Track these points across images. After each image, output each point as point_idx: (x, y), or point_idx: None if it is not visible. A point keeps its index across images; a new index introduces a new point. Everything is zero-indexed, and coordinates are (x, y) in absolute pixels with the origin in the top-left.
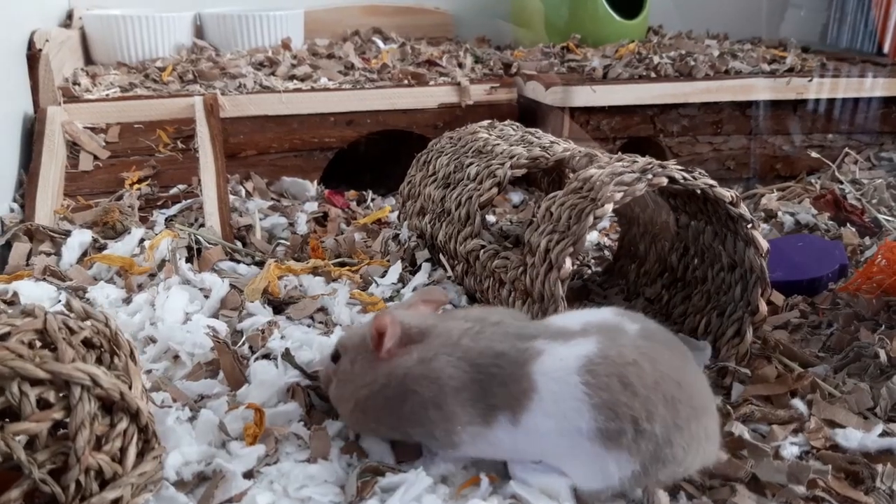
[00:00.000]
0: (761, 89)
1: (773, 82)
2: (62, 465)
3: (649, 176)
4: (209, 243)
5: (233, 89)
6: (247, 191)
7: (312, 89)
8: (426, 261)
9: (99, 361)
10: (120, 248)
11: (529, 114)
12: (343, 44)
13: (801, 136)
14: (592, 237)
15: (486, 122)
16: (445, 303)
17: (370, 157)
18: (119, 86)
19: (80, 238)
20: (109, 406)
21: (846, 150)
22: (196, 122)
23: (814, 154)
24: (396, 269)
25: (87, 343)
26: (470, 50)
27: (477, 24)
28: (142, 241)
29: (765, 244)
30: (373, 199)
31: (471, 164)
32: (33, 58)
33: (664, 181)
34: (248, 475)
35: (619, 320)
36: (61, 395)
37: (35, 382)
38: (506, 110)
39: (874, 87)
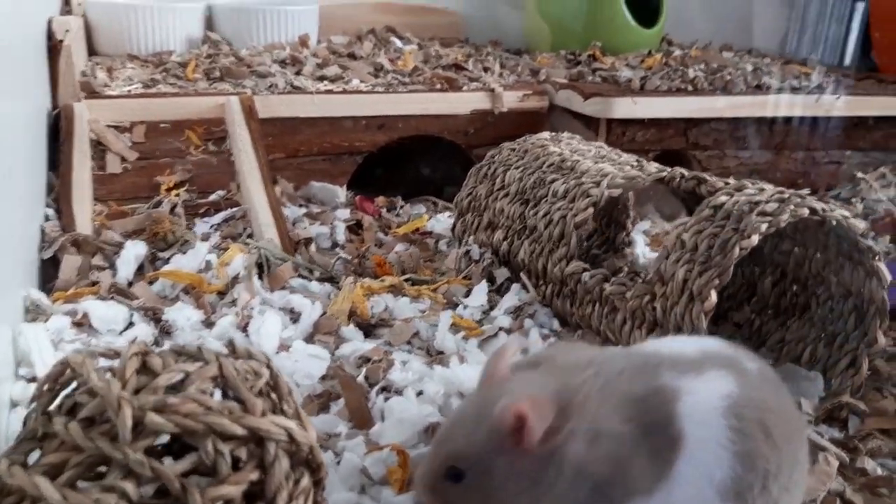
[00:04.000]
0: (793, 106)
1: (804, 99)
2: None
3: (791, 206)
4: (277, 259)
5: (264, 89)
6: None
7: (344, 91)
8: (507, 280)
9: (273, 410)
10: (185, 263)
11: (561, 122)
12: (361, 43)
13: (822, 151)
14: (644, 251)
15: (548, 134)
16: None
17: (386, 161)
18: (140, 81)
19: (135, 251)
20: (294, 461)
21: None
22: (232, 123)
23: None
24: (482, 290)
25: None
26: (494, 54)
27: (488, 27)
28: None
29: (889, 276)
30: (401, 206)
31: (554, 180)
32: (54, 49)
33: (806, 212)
34: None
35: (735, 353)
36: (251, 451)
37: (227, 438)
38: (537, 118)
39: (891, 106)
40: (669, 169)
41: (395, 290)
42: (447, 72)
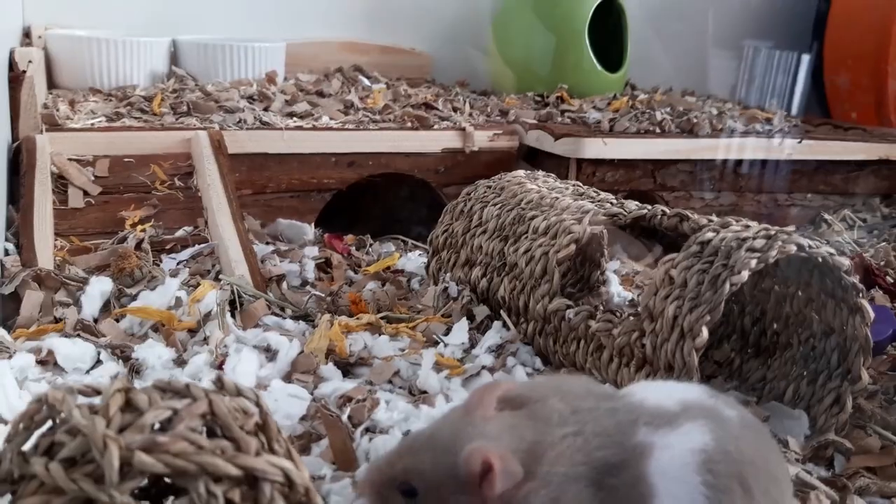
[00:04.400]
0: (756, 149)
1: (767, 143)
2: None
3: (779, 242)
4: (249, 295)
5: (231, 124)
6: None
7: (314, 128)
8: (486, 317)
9: (262, 449)
10: (154, 300)
11: (530, 163)
12: (329, 81)
13: (784, 194)
14: (618, 289)
15: (523, 172)
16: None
17: (352, 199)
18: (103, 114)
19: (101, 287)
20: None
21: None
22: (200, 158)
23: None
24: (462, 327)
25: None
26: (462, 94)
27: (455, 68)
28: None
29: (872, 313)
30: (371, 245)
31: (534, 217)
32: (15, 80)
33: (794, 248)
34: None
35: (714, 402)
36: (244, 494)
37: (219, 479)
38: (507, 157)
39: (850, 150)
40: (650, 207)
41: (373, 329)
42: (417, 110)
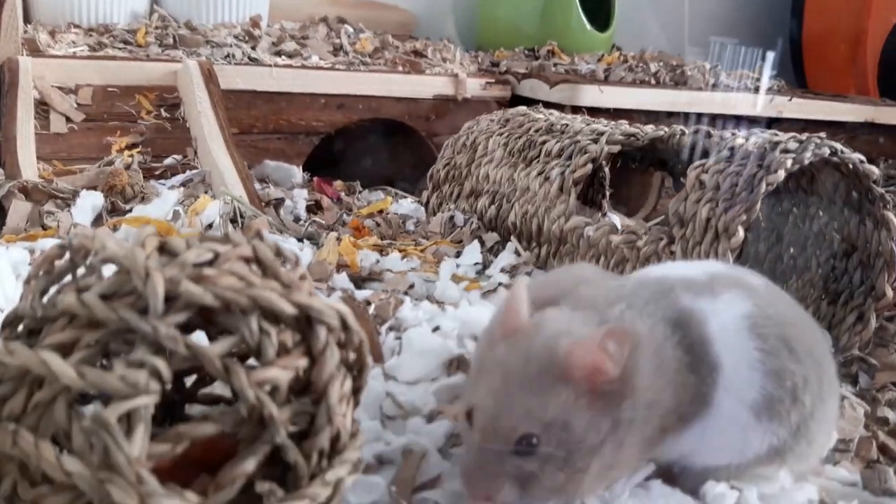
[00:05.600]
0: (748, 104)
1: (758, 98)
2: (305, 429)
3: (812, 146)
4: (250, 213)
5: (220, 58)
6: None
7: (304, 66)
8: (496, 243)
9: None
10: (152, 212)
11: None
12: (316, 27)
13: None
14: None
15: (524, 108)
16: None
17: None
18: (86, 44)
19: (92, 200)
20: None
21: None
22: (190, 87)
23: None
24: (475, 248)
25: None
26: (449, 48)
27: (439, 26)
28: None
29: None
30: (360, 192)
31: (545, 141)
32: None
33: (827, 151)
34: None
35: (737, 272)
36: (295, 339)
37: (270, 319)
38: (499, 107)
39: (838, 111)
40: (667, 128)
41: (381, 250)
42: (408, 57)
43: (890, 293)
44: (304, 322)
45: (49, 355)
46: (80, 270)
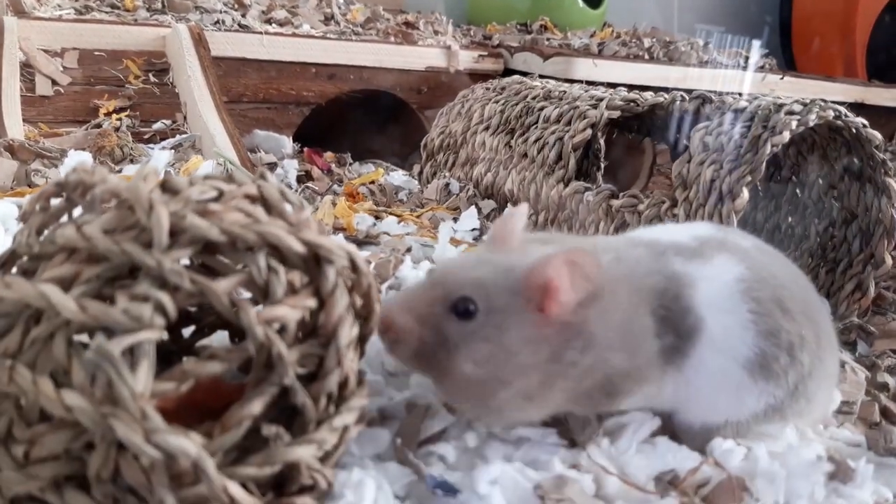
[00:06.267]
0: (741, 81)
1: (752, 76)
2: (313, 371)
3: (817, 108)
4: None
5: (209, 24)
6: None
7: (295, 34)
8: (493, 210)
9: None
10: None
11: None
12: None
13: None
14: None
15: (519, 77)
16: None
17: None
18: (72, 7)
19: (81, 159)
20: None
21: None
22: (180, 51)
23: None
24: (472, 214)
25: None
26: (441, 20)
27: (428, 1)
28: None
29: None
30: (350, 164)
31: (543, 107)
32: None
33: (831, 114)
34: None
35: (725, 235)
36: (303, 280)
37: (278, 256)
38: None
39: (828, 91)
40: (666, 94)
41: (375, 215)
42: (400, 28)
43: (889, 261)
44: (313, 262)
45: (49, 288)
46: (77, 210)
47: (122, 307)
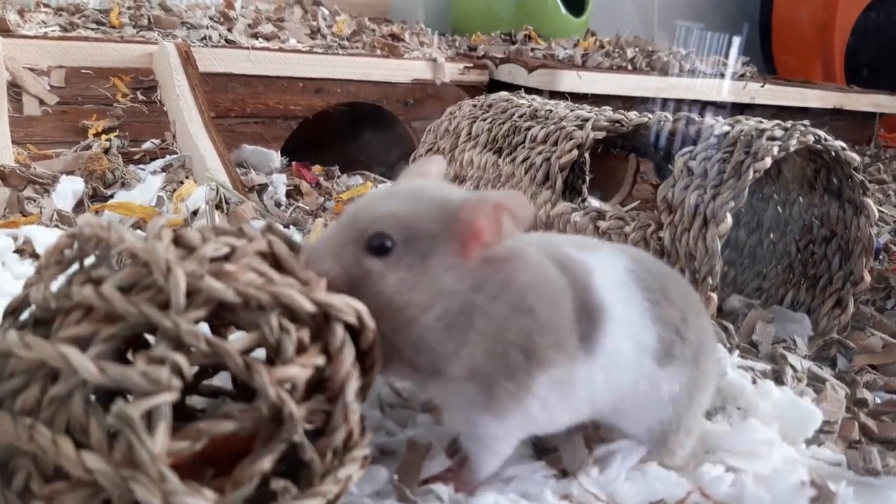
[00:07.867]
0: (722, 90)
1: (733, 85)
2: (320, 426)
3: (797, 133)
4: (236, 198)
5: (196, 40)
6: None
7: (282, 49)
8: None
9: None
10: (136, 197)
11: None
12: (292, 9)
13: None
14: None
15: (506, 94)
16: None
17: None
18: (57, 24)
19: (73, 185)
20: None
21: None
22: (167, 70)
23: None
24: None
25: None
26: (426, 32)
27: (413, 9)
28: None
29: (876, 212)
30: (338, 177)
31: (530, 127)
32: None
33: (811, 139)
34: None
35: (593, 241)
36: (313, 336)
37: (289, 315)
38: (476, 93)
39: (808, 97)
40: (651, 114)
41: None
42: (386, 40)
43: (868, 278)
44: (322, 319)
45: (68, 349)
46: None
47: (140, 370)
